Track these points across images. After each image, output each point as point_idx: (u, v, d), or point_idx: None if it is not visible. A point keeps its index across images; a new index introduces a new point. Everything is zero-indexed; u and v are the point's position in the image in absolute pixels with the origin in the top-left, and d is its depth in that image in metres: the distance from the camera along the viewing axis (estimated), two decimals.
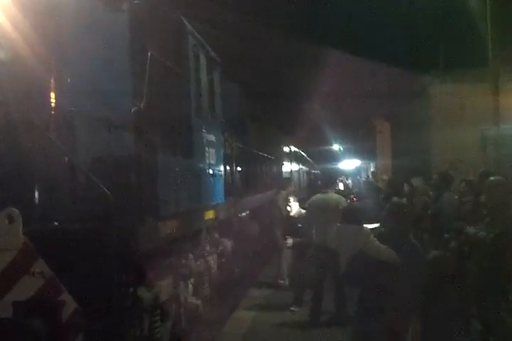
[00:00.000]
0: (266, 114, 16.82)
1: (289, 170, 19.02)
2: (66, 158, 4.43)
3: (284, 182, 12.35)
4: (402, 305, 4.78)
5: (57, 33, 4.78)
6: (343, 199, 8.56)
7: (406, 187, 8.43)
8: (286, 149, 19.08)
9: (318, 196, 8.39)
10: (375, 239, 5.10)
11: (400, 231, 5.08)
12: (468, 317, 5.54)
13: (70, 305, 3.82)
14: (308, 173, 28.12)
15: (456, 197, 7.21)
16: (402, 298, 4.77)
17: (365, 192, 12.98)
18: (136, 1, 5.12)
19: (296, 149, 23.01)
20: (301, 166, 24.08)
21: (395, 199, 5.77)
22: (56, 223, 4.28)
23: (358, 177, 33.46)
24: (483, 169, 7.77)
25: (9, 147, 4.37)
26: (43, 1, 4.91)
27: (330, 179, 12.64)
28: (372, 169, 38.37)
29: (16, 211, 3.97)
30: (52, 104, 4.48)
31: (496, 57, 10.39)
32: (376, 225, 5.83)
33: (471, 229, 5.29)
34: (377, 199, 8.56)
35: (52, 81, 4.52)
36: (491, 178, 5.51)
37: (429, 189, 8.39)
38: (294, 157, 21.03)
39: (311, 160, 32.46)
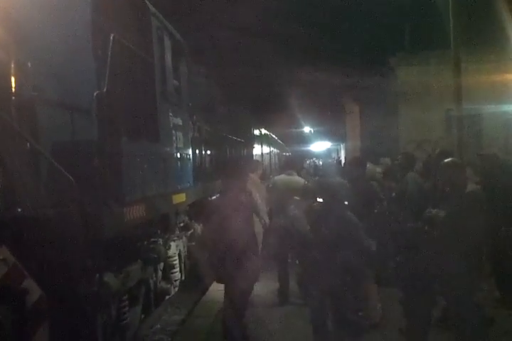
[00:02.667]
0: (236, 96, 16.74)
1: (260, 153, 19.00)
2: (28, 144, 4.36)
3: (253, 165, 12.30)
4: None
5: (16, 16, 4.66)
6: (304, 181, 8.45)
7: (369, 165, 8.55)
8: (256, 132, 19.03)
9: (282, 177, 8.39)
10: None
11: (336, 206, 5.57)
12: (433, 294, 5.64)
13: (34, 292, 3.78)
14: (279, 156, 28.18)
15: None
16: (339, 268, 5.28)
17: (330, 171, 13.18)
18: None
19: (267, 132, 22.99)
20: (272, 149, 24.08)
21: (324, 179, 6.08)
22: (19, 209, 4.22)
23: (329, 159, 33.80)
24: (440, 149, 7.89)
25: None
26: None
27: (295, 160, 12.71)
28: (342, 150, 38.69)
29: None
30: (13, 89, 4.39)
31: (457, 40, 10.55)
32: None
33: (435, 211, 5.39)
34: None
35: (12, 65, 4.42)
36: (445, 160, 5.60)
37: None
38: (264, 140, 21.00)
39: (282, 142, 32.54)
